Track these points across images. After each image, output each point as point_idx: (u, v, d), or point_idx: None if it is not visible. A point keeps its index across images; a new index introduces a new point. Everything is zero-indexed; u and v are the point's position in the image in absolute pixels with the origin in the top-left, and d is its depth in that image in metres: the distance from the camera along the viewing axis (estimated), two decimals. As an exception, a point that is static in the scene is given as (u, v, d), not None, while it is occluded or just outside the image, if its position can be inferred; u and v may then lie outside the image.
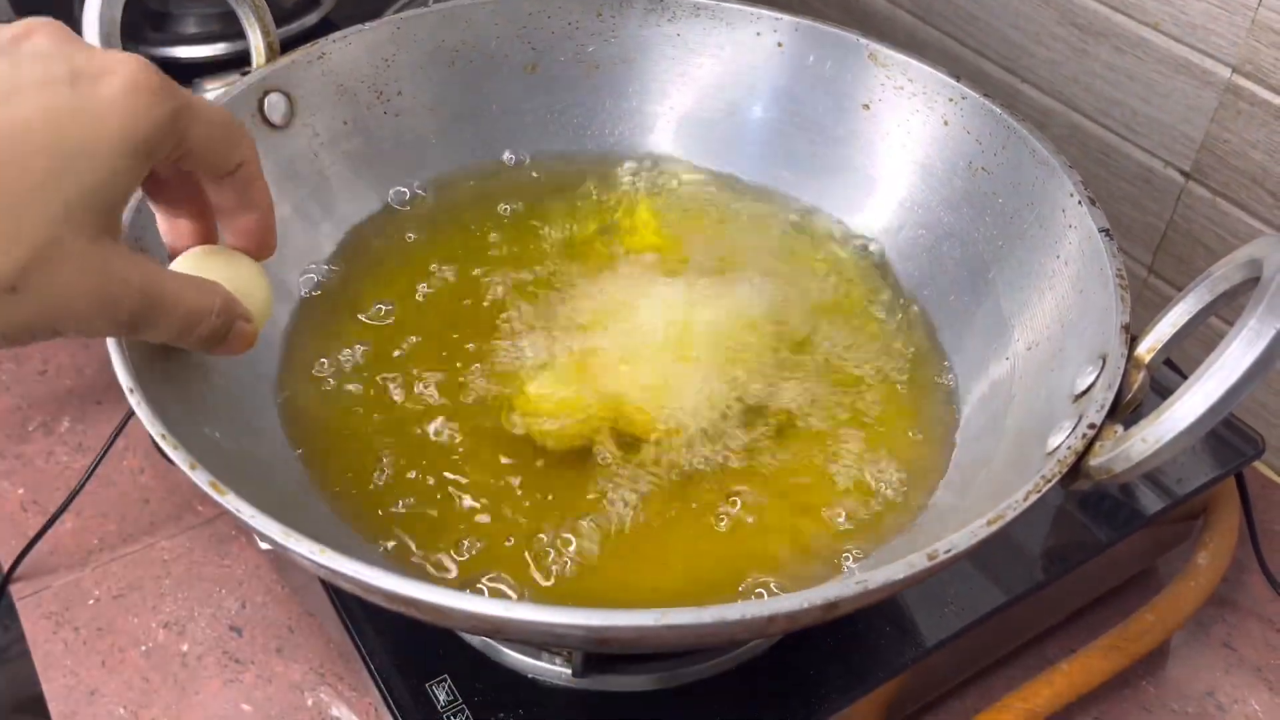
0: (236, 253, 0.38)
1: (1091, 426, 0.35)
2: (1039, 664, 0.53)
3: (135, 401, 0.35)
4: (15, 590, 0.58)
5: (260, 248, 0.39)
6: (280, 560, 0.57)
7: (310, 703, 0.54)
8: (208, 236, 0.38)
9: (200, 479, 0.33)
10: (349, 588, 0.32)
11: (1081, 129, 0.67)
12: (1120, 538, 0.51)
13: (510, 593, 0.41)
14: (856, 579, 0.30)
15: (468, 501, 0.44)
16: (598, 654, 0.43)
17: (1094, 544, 0.50)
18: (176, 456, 0.33)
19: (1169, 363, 0.41)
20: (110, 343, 0.36)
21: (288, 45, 0.51)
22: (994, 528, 0.32)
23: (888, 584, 0.31)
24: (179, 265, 0.37)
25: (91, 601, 0.57)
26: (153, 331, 0.33)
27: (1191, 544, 0.56)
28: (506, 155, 0.57)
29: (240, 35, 0.72)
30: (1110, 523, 0.51)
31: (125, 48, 0.48)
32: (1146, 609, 0.52)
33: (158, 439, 0.34)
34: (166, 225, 0.38)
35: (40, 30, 0.31)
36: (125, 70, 0.30)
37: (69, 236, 0.29)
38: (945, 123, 0.50)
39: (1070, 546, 0.50)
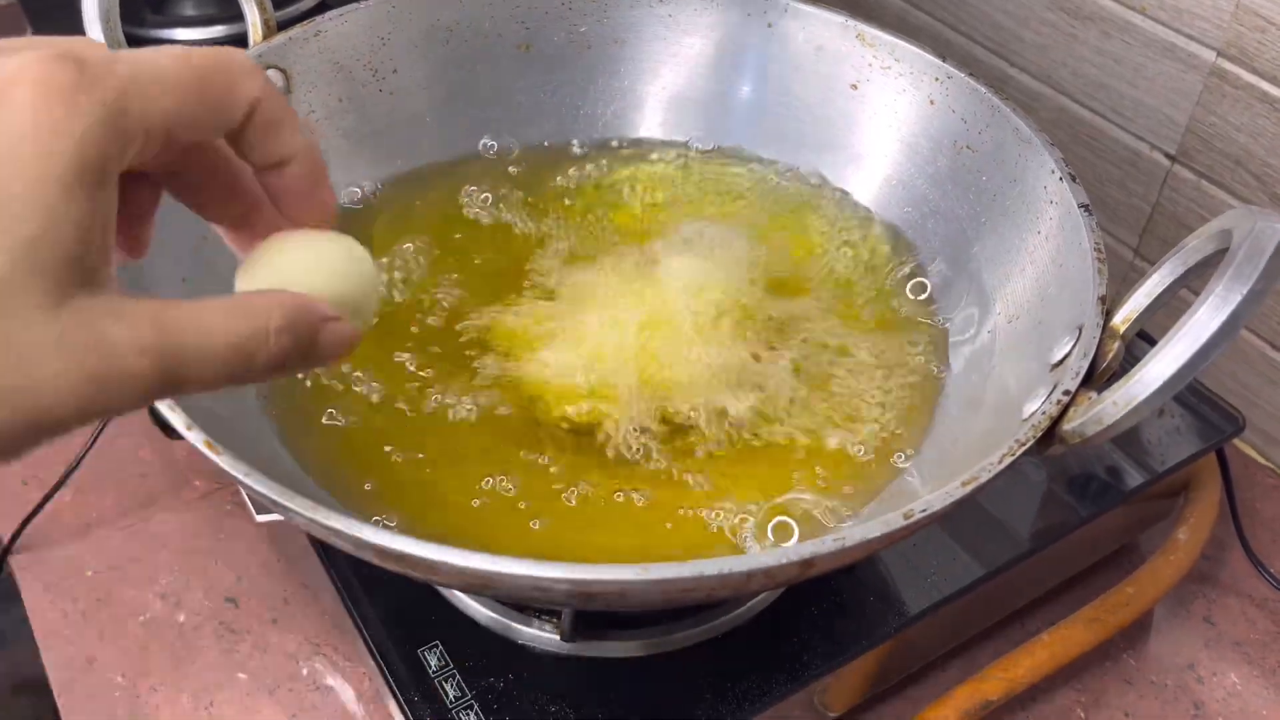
0: (305, 234, 0.29)
1: (1066, 393, 0.36)
2: (1022, 637, 0.53)
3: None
4: (15, 562, 0.59)
5: (319, 208, 0.29)
6: (275, 533, 0.58)
7: (305, 672, 0.55)
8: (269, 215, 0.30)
9: (195, 439, 0.34)
10: (342, 544, 0.33)
11: (1069, 112, 0.68)
12: (1101, 512, 0.52)
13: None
14: (834, 537, 0.31)
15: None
16: (586, 617, 0.44)
17: (1075, 518, 0.51)
18: (173, 417, 0.34)
19: (1143, 334, 0.42)
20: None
21: (286, 27, 0.52)
22: (968, 489, 0.33)
23: (863, 542, 0.32)
24: (241, 278, 0.29)
25: (90, 573, 0.58)
26: (192, 386, 0.25)
27: (1173, 520, 0.57)
28: (499, 133, 0.58)
29: (239, 18, 0.73)
30: (1092, 498, 0.52)
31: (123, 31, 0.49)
32: (1127, 582, 0.53)
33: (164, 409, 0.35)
34: (221, 226, 0.30)
35: None
36: (27, 78, 0.22)
37: (15, 308, 0.22)
38: (931, 102, 0.51)
39: (1052, 521, 0.51)
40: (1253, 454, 0.65)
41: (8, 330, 0.22)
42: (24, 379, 0.22)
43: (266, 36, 0.51)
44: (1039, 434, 0.35)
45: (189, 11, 0.78)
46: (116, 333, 0.23)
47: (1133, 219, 0.67)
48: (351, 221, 0.54)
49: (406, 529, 0.42)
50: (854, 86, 0.54)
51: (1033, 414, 0.36)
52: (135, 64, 0.24)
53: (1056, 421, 0.35)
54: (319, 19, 0.52)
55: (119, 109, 0.23)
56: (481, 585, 0.31)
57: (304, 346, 0.27)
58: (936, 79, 0.51)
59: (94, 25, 0.44)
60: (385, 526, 0.41)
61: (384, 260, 0.52)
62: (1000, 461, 0.34)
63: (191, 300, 0.25)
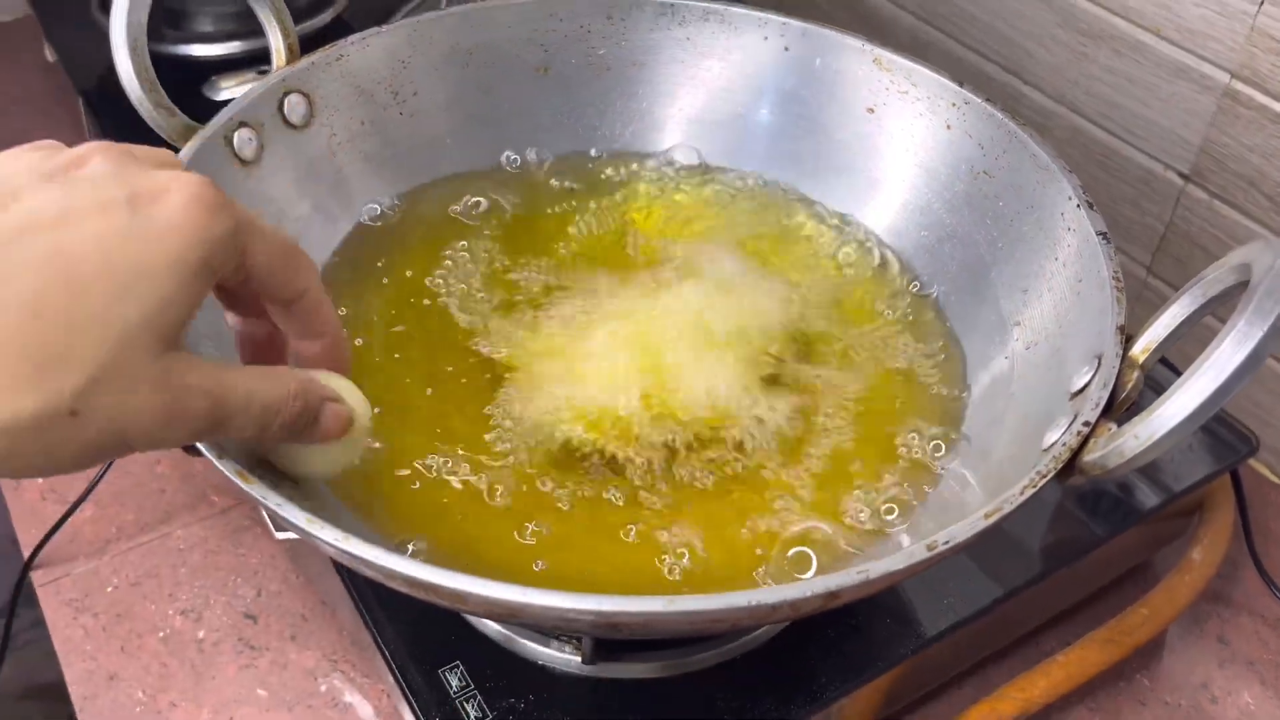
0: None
1: (1086, 424, 0.36)
2: (1037, 656, 0.54)
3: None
4: (36, 577, 0.59)
5: (335, 369, 0.38)
6: (295, 549, 0.58)
7: (323, 688, 0.55)
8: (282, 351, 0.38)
9: (227, 468, 0.34)
10: (371, 574, 0.34)
11: (1082, 131, 0.69)
12: (1116, 533, 0.52)
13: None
14: (857, 569, 0.32)
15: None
16: (608, 641, 0.44)
17: (1090, 539, 0.52)
18: (204, 445, 0.35)
19: (1165, 361, 0.42)
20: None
21: (300, 45, 0.53)
22: (990, 520, 0.33)
23: (887, 574, 0.32)
24: None
25: (110, 589, 0.59)
26: (230, 430, 0.32)
27: (1187, 540, 0.57)
28: (518, 155, 0.58)
29: (256, 34, 0.74)
30: (1107, 518, 0.52)
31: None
32: (1142, 603, 0.54)
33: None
34: (242, 335, 0.38)
35: (97, 154, 0.30)
36: (183, 190, 0.30)
37: (130, 358, 0.29)
38: (948, 127, 0.52)
39: (1067, 542, 0.52)
40: (1266, 473, 0.66)
41: (125, 366, 0.29)
42: (122, 406, 0.29)
43: (290, 60, 0.51)
44: (1060, 465, 0.35)
45: (207, 28, 0.79)
46: (191, 380, 0.31)
47: (1146, 238, 0.68)
48: (370, 237, 0.54)
49: (428, 550, 0.43)
50: (870, 110, 0.54)
51: (1053, 444, 0.36)
52: (248, 213, 0.32)
53: (1077, 453, 0.36)
54: (341, 43, 0.52)
55: (239, 233, 0.31)
56: (509, 615, 0.32)
57: (310, 417, 0.35)
58: (953, 104, 0.51)
59: (121, 51, 0.44)
60: (413, 552, 0.42)
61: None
62: (1022, 493, 0.34)
63: (236, 364, 0.35)
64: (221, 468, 0.34)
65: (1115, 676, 0.56)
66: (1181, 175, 0.64)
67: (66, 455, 0.29)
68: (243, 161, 0.48)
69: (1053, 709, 0.54)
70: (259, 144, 0.49)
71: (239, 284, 0.33)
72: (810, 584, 0.31)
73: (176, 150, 0.46)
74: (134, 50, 0.44)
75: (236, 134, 0.48)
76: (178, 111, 0.47)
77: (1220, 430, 0.56)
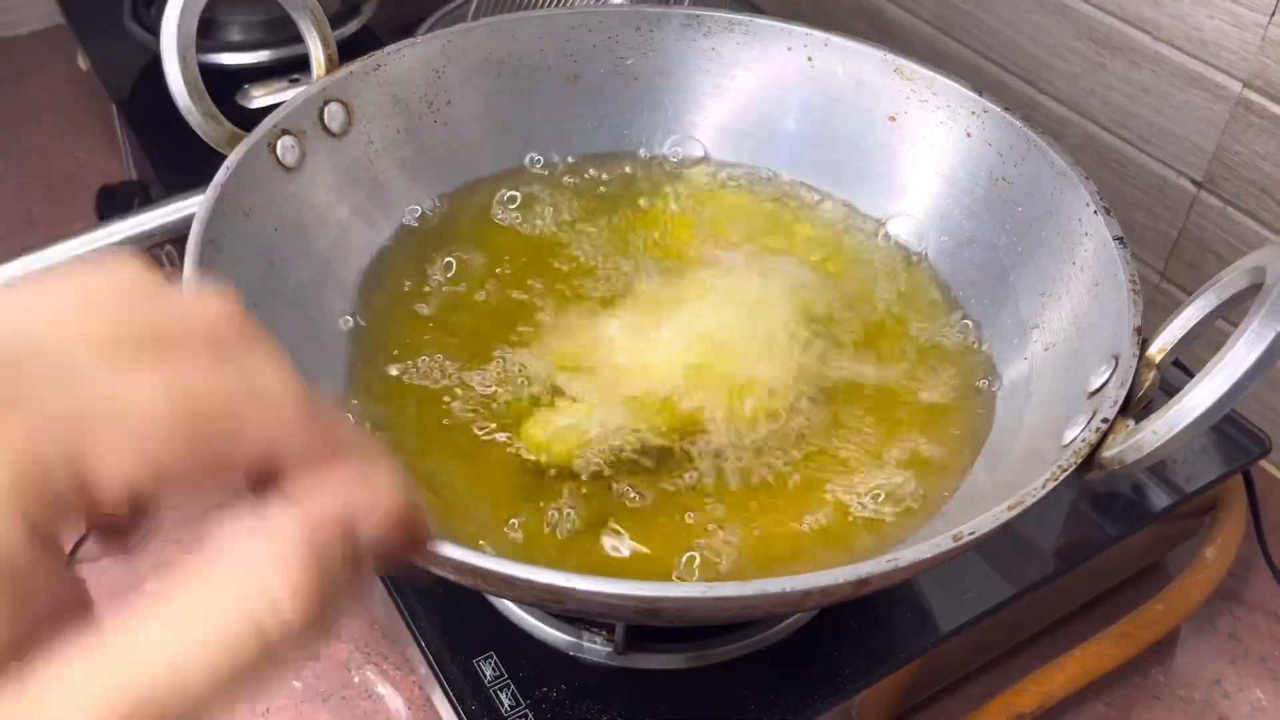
0: None
1: (1105, 421, 0.37)
2: (1053, 652, 0.55)
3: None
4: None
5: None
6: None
7: (357, 680, 0.56)
8: None
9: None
10: (419, 560, 0.35)
11: (1097, 139, 0.70)
12: (1130, 533, 0.53)
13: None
14: (888, 557, 0.33)
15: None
16: (638, 630, 0.46)
17: (1104, 539, 0.53)
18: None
19: (1177, 363, 0.44)
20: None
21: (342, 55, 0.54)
22: (1014, 513, 0.35)
23: (916, 563, 0.33)
24: None
25: (145, 584, 0.60)
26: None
27: (1200, 539, 0.58)
28: (548, 162, 0.60)
29: (285, 42, 0.76)
30: (1120, 519, 0.54)
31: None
32: (1156, 600, 0.55)
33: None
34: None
35: None
36: None
37: None
38: (968, 135, 0.53)
39: (1081, 541, 0.53)
40: (1278, 474, 0.67)
41: None
42: None
43: (329, 70, 0.53)
44: (1080, 460, 0.36)
45: (237, 37, 0.80)
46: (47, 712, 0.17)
47: (1159, 244, 0.69)
48: (410, 239, 0.56)
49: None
50: (892, 119, 0.55)
51: (1073, 440, 0.38)
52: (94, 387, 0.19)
53: (1096, 448, 0.37)
54: (379, 54, 0.54)
55: (64, 447, 0.18)
56: (554, 600, 0.33)
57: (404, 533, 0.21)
58: (973, 113, 0.53)
59: (171, 60, 0.46)
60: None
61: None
62: (1044, 486, 0.35)
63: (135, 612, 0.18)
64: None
65: (1130, 671, 0.57)
66: (1195, 182, 0.65)
67: None
68: (285, 168, 0.50)
69: (1068, 703, 0.55)
70: (301, 151, 0.50)
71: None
72: (841, 571, 0.33)
73: (224, 156, 0.47)
74: (184, 60, 0.46)
75: (280, 141, 0.49)
76: (224, 120, 0.48)
77: (1233, 431, 0.57)
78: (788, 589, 0.32)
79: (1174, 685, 0.57)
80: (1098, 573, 0.56)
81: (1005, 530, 0.35)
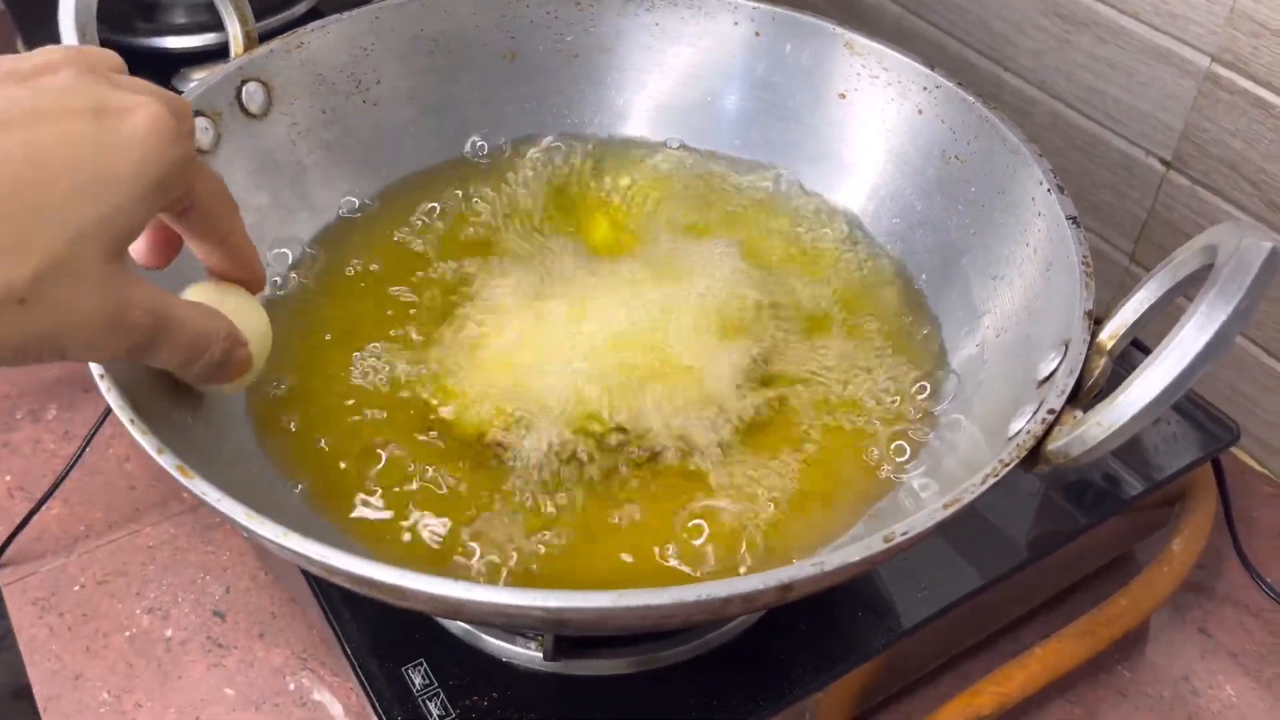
0: (236, 286, 0.40)
1: (1051, 412, 0.35)
2: (1016, 649, 0.53)
3: (105, 387, 0.36)
4: (1, 576, 0.58)
5: (253, 279, 0.40)
6: (263, 547, 0.57)
7: (292, 686, 0.54)
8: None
9: (167, 463, 0.33)
10: (314, 570, 0.33)
11: (1064, 118, 0.68)
12: (1096, 523, 0.51)
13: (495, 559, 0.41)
14: (811, 561, 0.31)
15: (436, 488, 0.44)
16: (567, 637, 0.44)
17: (1070, 528, 0.51)
18: (144, 441, 0.34)
19: (1137, 343, 0.41)
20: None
21: (270, 37, 0.52)
22: (950, 511, 0.32)
23: (843, 566, 0.31)
24: (193, 293, 0.39)
25: (77, 588, 0.58)
26: (159, 355, 0.34)
27: (1169, 530, 0.56)
28: (485, 143, 0.57)
29: (228, 26, 0.73)
30: (1087, 508, 0.51)
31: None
32: (1120, 594, 0.53)
33: (126, 424, 0.35)
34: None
35: (64, 65, 0.31)
36: (147, 110, 0.31)
37: (82, 256, 0.30)
38: (919, 111, 0.51)
39: (1046, 531, 0.51)
40: (1250, 462, 0.65)
41: (76, 263, 0.30)
42: (69, 303, 0.30)
43: (248, 48, 0.50)
44: (1023, 454, 0.34)
45: (180, 20, 0.78)
46: (136, 293, 0.32)
47: (1128, 225, 0.67)
48: (337, 233, 0.53)
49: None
50: (842, 96, 0.53)
51: (1018, 433, 0.35)
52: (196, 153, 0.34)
53: (1041, 441, 0.35)
54: (301, 30, 0.51)
55: (191, 164, 0.33)
56: (452, 612, 0.31)
57: (225, 360, 0.37)
58: (925, 88, 0.50)
59: (69, 36, 0.44)
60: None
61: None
62: (983, 482, 0.33)
63: (176, 296, 0.35)
64: (161, 462, 0.33)
65: (1096, 669, 0.55)
66: (1163, 161, 0.63)
67: (8, 346, 0.30)
68: (199, 151, 0.47)
69: (1032, 702, 0.53)
70: (216, 133, 0.48)
71: (178, 214, 0.35)
72: (762, 577, 0.30)
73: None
74: (82, 35, 0.43)
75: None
76: (130, 100, 0.46)
77: (1202, 419, 0.55)
78: (703, 596, 0.30)
79: (1141, 682, 0.55)
80: (1064, 565, 0.54)
81: (943, 529, 0.33)
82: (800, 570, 0.31)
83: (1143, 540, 0.59)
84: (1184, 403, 0.55)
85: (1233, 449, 0.65)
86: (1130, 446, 0.54)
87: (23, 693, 0.98)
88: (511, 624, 0.32)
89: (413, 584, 0.30)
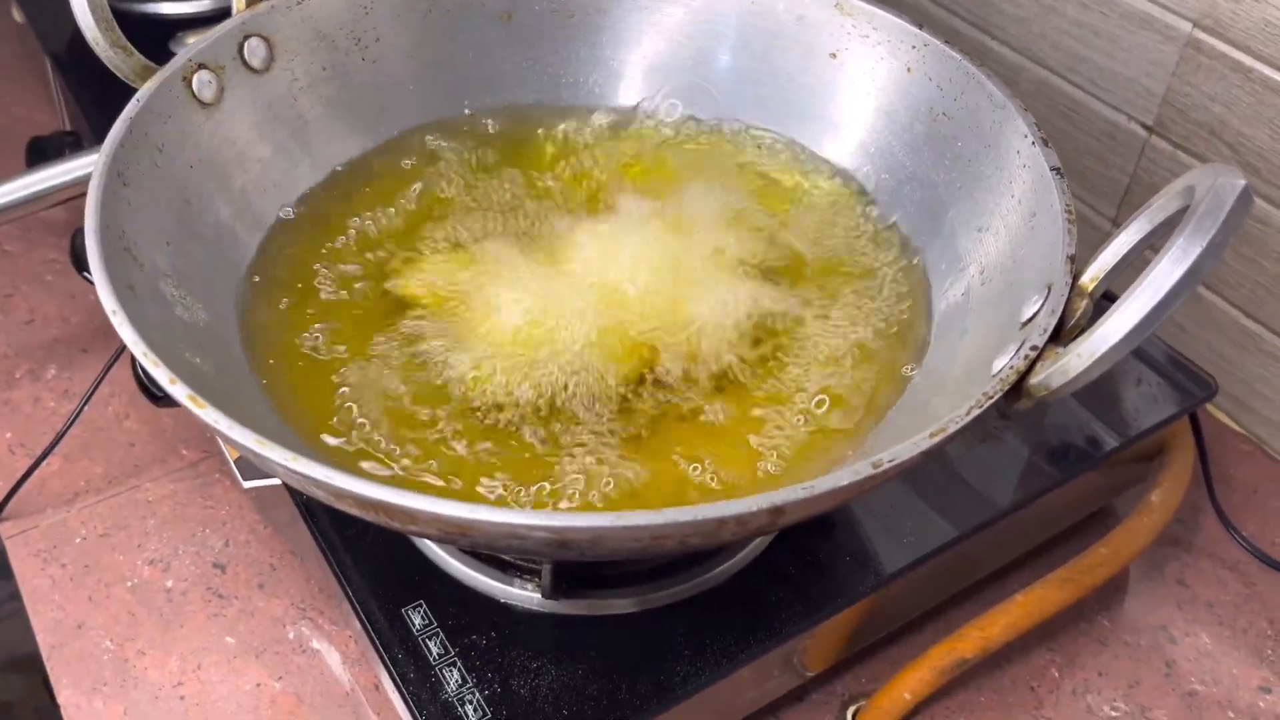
0: None
1: (1034, 349, 0.36)
2: (1000, 600, 0.54)
3: (118, 323, 0.36)
4: (3, 530, 0.59)
5: None
6: (263, 500, 0.58)
7: (291, 635, 0.55)
8: None
9: (179, 393, 0.34)
10: (320, 494, 0.34)
11: (1049, 85, 0.69)
12: (1075, 475, 0.53)
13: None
14: (802, 485, 0.32)
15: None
16: (567, 575, 0.45)
17: (1049, 481, 0.52)
18: (157, 373, 0.35)
19: (1110, 295, 0.43)
20: (94, 263, 0.38)
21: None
22: (935, 440, 0.34)
23: (832, 490, 0.32)
24: None
25: (78, 540, 0.59)
26: None
27: (1148, 484, 0.58)
28: (482, 102, 0.58)
29: (222, -9, 0.74)
30: (1066, 461, 0.53)
31: (113, 4, 0.49)
32: (1100, 543, 0.54)
33: (139, 356, 0.35)
34: None
35: None
36: None
37: None
38: (908, 70, 0.52)
39: (1026, 484, 0.52)
40: (1227, 421, 0.66)
41: None
42: None
43: (250, 4, 0.51)
44: (1006, 387, 0.35)
45: (176, -15, 0.78)
46: None
47: (1111, 190, 0.68)
48: (337, 184, 0.54)
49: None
50: (833, 55, 0.54)
51: (1001, 369, 0.37)
52: None
53: (1024, 376, 0.36)
54: (302, -13, 0.52)
55: None
56: (459, 533, 0.32)
57: None
58: (914, 47, 0.51)
59: (84, 20, 0.44)
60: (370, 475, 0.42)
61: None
62: (968, 413, 0.34)
63: None
64: (173, 392, 0.34)
65: (1076, 618, 0.57)
66: (1145, 127, 0.65)
67: None
68: (202, 104, 0.48)
69: (1014, 651, 0.55)
70: (219, 86, 0.49)
71: None
72: (755, 500, 0.32)
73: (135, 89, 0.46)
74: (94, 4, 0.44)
75: (196, 76, 0.48)
76: (134, 51, 0.47)
77: (1179, 376, 0.56)
78: (699, 517, 0.31)
79: (1120, 631, 0.57)
80: (1044, 516, 0.55)
81: (928, 458, 0.34)
82: (791, 494, 0.32)
83: (1122, 495, 0.61)
84: (1161, 360, 0.57)
85: (1210, 408, 0.66)
86: (1109, 403, 0.55)
87: (18, 664, 0.99)
88: (516, 547, 0.33)
89: (421, 505, 0.31)
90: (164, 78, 0.46)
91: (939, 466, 0.52)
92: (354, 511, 0.34)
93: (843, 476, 0.32)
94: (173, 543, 0.59)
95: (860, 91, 0.53)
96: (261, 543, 0.59)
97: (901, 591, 0.50)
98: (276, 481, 0.51)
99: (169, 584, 0.57)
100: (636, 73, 0.58)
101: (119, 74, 0.47)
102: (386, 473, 0.43)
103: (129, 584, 0.57)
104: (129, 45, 0.46)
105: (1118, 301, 0.33)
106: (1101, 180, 0.68)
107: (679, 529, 0.32)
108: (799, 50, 0.55)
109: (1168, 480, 0.57)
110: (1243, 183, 0.33)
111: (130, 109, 0.45)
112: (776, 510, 0.32)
